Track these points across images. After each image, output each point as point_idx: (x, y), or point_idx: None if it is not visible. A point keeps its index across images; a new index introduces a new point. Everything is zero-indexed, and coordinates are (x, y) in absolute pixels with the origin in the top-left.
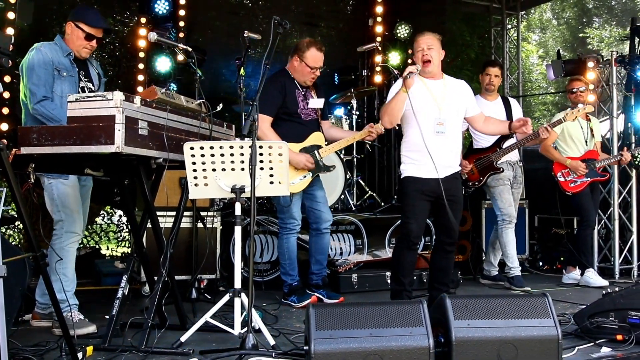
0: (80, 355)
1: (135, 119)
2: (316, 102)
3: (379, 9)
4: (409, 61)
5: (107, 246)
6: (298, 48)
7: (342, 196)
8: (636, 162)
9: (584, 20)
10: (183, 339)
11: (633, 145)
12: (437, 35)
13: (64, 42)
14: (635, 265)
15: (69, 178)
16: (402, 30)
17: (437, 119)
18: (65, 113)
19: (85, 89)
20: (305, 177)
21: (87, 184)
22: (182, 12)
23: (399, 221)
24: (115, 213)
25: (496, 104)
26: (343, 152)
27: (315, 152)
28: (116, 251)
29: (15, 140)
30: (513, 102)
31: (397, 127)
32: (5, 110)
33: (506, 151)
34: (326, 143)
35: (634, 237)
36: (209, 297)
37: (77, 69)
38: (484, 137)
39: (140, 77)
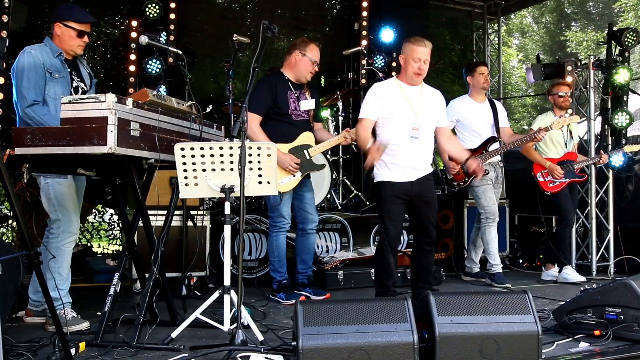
0: (73, 351)
1: (127, 120)
2: (308, 104)
3: (364, 14)
4: (394, 64)
5: (99, 244)
6: (297, 45)
7: (329, 195)
8: (612, 163)
9: (563, 25)
10: (174, 334)
11: (610, 146)
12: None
13: (54, 43)
14: (612, 263)
15: (65, 178)
16: (387, 35)
17: (412, 123)
18: (58, 117)
19: (79, 88)
20: (294, 176)
21: (81, 183)
22: (172, 16)
23: None
24: (106, 211)
25: (485, 105)
26: (329, 152)
27: (305, 151)
28: (107, 249)
29: (9, 140)
30: (498, 104)
31: None
32: None
33: (492, 154)
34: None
35: (611, 235)
36: (199, 294)
37: (68, 70)
38: (471, 138)
39: (131, 79)
